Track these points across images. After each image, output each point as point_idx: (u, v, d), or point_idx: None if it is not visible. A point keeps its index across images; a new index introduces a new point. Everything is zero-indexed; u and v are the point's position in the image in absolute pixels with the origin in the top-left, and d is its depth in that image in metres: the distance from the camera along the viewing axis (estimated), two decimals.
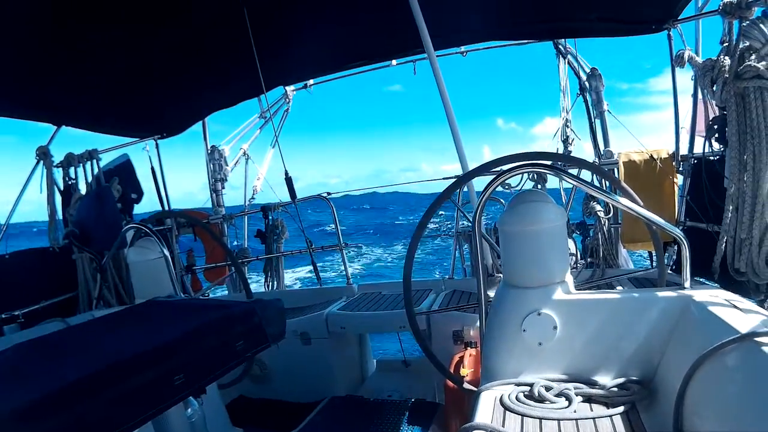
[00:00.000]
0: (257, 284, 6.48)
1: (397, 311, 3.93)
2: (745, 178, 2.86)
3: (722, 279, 3.08)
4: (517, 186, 4.04)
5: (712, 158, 3.60)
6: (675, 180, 4.16)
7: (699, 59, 3.33)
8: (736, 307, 1.78)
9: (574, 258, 4.62)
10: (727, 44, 2.97)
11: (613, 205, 4.32)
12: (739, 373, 1.48)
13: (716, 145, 3.36)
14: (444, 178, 5.11)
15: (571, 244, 4.61)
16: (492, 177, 2.41)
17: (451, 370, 3.26)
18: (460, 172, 3.53)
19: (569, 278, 2.20)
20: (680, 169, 4.18)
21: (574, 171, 2.98)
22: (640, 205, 2.15)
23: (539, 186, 4.51)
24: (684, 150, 4.18)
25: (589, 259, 4.47)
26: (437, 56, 3.55)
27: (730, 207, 2.96)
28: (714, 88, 3.04)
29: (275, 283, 5.74)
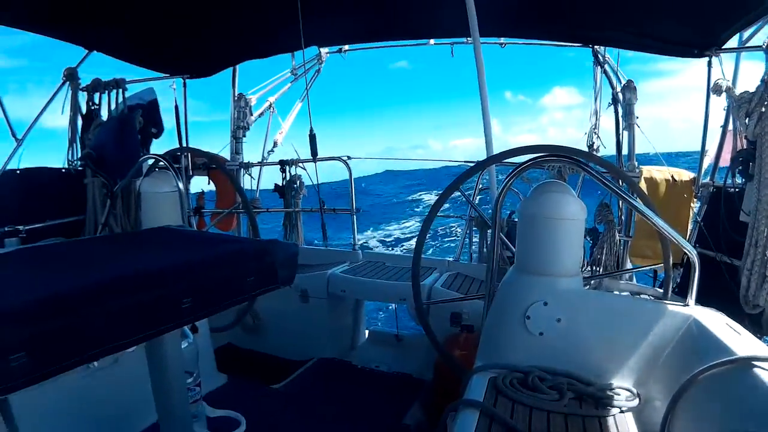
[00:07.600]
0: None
1: (400, 282, 3.96)
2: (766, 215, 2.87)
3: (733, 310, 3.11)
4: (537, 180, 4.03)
5: (731, 190, 3.59)
6: (692, 204, 4.16)
7: (736, 91, 3.34)
8: (735, 331, 1.81)
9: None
10: (767, 80, 2.98)
11: (625, 218, 4.32)
12: (731, 393, 1.52)
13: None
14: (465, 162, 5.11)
15: None
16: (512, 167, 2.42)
17: None
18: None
19: (580, 275, 2.22)
20: (698, 194, 4.18)
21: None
22: (659, 217, 2.17)
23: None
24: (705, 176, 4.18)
25: (591, 267, 4.46)
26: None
27: (751, 242, 2.97)
28: (747, 121, 3.05)
29: (295, 238, 5.67)
